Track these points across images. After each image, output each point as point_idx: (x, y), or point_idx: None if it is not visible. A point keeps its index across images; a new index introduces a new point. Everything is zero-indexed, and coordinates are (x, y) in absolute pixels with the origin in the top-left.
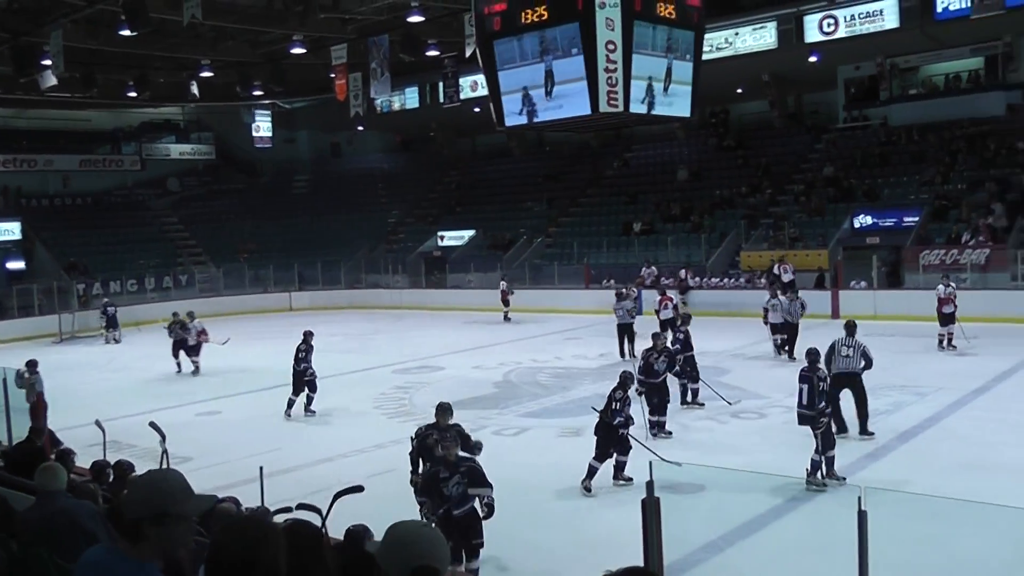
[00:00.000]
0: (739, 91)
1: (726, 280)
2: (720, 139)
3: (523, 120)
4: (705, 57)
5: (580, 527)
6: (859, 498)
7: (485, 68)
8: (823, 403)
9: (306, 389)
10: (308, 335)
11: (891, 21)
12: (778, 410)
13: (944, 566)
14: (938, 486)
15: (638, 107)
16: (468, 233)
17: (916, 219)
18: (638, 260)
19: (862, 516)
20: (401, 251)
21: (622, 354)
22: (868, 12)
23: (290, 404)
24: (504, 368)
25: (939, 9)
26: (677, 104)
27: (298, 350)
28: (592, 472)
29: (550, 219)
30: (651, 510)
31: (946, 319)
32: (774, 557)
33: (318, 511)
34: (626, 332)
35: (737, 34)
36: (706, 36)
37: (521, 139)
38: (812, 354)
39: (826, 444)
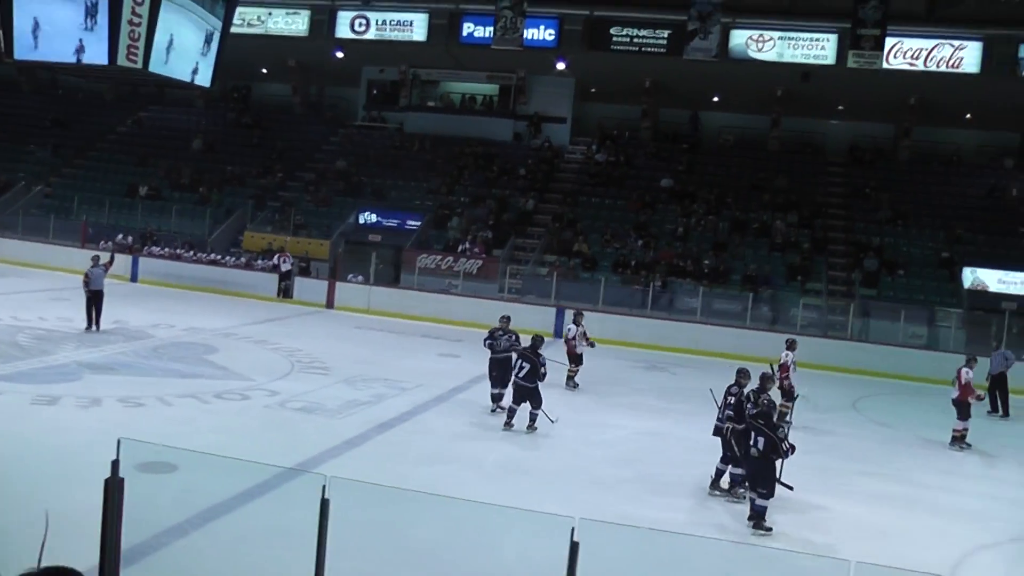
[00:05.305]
0: (264, 71)
1: (227, 258)
2: (239, 115)
3: (36, 57)
4: (234, 31)
5: (41, 508)
6: (324, 487)
7: None
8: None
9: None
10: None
11: (419, 34)
12: (261, 393)
13: (398, 551)
14: (405, 475)
15: (159, 67)
16: None
17: (418, 223)
18: (140, 224)
19: (324, 504)
20: None
21: (89, 322)
22: (399, 21)
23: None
24: None
25: (464, 33)
26: (205, 74)
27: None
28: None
29: (54, 168)
30: (113, 490)
31: (786, 394)
32: (238, 541)
33: None
34: (96, 299)
35: (271, 14)
36: (238, 9)
37: (32, 75)
38: (537, 339)
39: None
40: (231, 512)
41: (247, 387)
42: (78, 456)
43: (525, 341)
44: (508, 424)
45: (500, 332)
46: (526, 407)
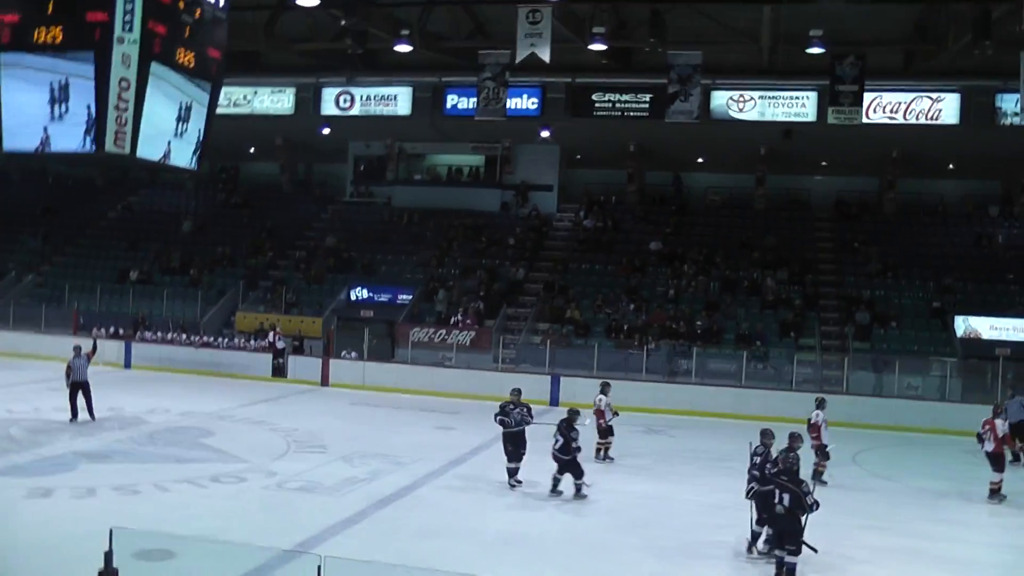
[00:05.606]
0: (252, 150)
1: (220, 339)
2: (228, 196)
3: (25, 146)
4: (220, 111)
5: None
6: (319, 567)
7: None
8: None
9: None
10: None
11: (403, 108)
12: (258, 475)
13: None
14: (405, 551)
15: (146, 152)
16: None
17: (410, 297)
18: (132, 310)
19: None
20: None
21: (74, 413)
22: (383, 95)
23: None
24: None
25: (448, 105)
26: (184, 154)
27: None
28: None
29: (44, 256)
30: None
31: (820, 452)
32: None
33: None
34: (82, 388)
35: (256, 93)
36: (224, 90)
37: (22, 164)
38: (572, 412)
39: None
40: None
41: (244, 469)
42: (73, 548)
43: (536, 412)
44: (554, 491)
45: (511, 406)
46: (568, 476)
